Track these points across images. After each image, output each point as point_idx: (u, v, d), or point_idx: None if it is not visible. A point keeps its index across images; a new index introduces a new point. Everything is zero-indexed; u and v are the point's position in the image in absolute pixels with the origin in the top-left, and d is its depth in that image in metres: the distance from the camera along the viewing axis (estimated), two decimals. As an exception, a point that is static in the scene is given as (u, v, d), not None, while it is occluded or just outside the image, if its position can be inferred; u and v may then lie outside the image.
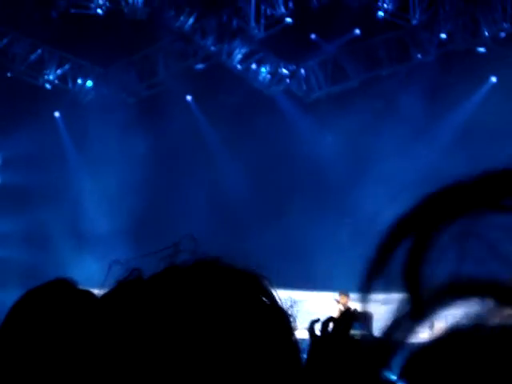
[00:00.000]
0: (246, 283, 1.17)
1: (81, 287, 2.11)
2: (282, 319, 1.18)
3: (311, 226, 17.35)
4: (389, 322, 0.83)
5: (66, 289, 2.07)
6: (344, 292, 15.13)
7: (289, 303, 1.20)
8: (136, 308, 1.12)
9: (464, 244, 0.81)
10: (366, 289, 0.84)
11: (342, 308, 14.75)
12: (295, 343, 1.17)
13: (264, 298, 1.17)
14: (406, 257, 0.83)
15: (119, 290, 1.17)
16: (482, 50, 17.08)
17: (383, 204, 17.24)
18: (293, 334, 1.18)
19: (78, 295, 2.06)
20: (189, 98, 19.46)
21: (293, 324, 1.19)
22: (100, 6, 17.12)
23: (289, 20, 17.59)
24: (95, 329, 1.14)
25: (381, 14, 17.25)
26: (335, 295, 15.18)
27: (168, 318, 1.10)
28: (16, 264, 17.73)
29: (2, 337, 2.01)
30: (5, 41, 17.82)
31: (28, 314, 2.00)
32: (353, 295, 15.01)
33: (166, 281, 1.15)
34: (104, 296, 1.18)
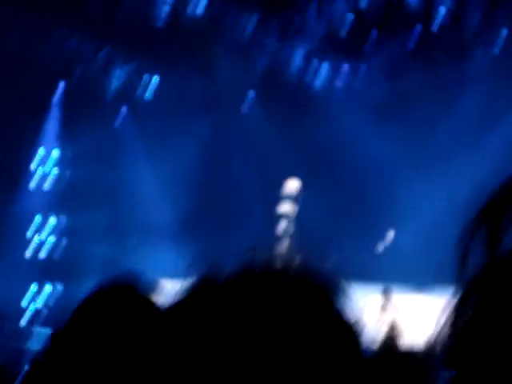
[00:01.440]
0: (313, 295, 1.18)
1: (151, 278, 2.16)
2: (349, 333, 1.18)
3: (369, 221, 17.39)
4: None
5: (128, 296, 2.11)
6: (387, 292, 14.87)
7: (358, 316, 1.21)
8: (207, 316, 1.14)
9: None
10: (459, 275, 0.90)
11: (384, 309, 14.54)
12: (361, 358, 1.18)
13: (333, 309, 1.17)
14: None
15: (195, 294, 1.19)
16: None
17: (439, 209, 17.27)
18: (360, 347, 1.18)
19: (139, 303, 2.08)
20: (250, 96, 19.65)
21: (360, 335, 1.18)
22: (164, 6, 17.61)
23: (350, 17, 17.82)
24: (166, 332, 1.17)
25: (443, 9, 17.34)
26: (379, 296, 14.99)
27: (237, 328, 1.12)
28: (85, 255, 18.26)
29: (63, 342, 2.06)
30: (74, 39, 18.36)
31: (86, 323, 2.06)
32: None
33: (242, 287, 1.17)
34: (182, 297, 1.20)
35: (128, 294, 2.11)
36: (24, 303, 19.07)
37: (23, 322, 18.77)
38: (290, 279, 1.18)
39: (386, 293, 14.95)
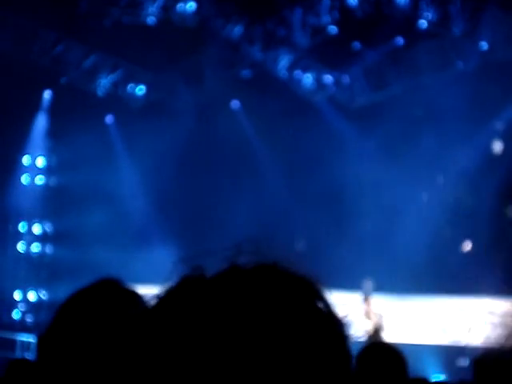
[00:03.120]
0: (304, 289, 1.18)
1: (133, 285, 2.13)
2: (337, 327, 1.18)
3: (353, 231, 17.56)
4: None
5: (112, 289, 2.10)
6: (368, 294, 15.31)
7: (346, 311, 1.23)
8: (199, 306, 1.14)
9: None
10: None
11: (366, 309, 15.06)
12: (348, 352, 1.18)
13: (321, 305, 1.18)
14: None
15: (183, 287, 1.18)
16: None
17: (426, 208, 17.59)
18: (347, 342, 1.18)
19: (125, 295, 2.08)
20: (235, 104, 19.82)
21: (347, 331, 1.19)
22: (151, 15, 17.73)
23: (333, 28, 18.04)
24: (156, 323, 1.16)
25: (423, 22, 17.63)
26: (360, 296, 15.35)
27: (229, 319, 1.11)
28: (70, 263, 18.30)
29: (49, 337, 2.04)
30: (59, 48, 18.44)
31: (73, 315, 2.04)
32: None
33: (229, 282, 1.16)
34: (167, 291, 1.19)
35: (112, 287, 2.10)
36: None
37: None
38: (279, 272, 1.18)
39: (365, 291, 15.35)
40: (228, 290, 1.15)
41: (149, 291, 1.27)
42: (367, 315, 14.92)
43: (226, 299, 1.13)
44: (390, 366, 4.49)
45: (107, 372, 1.81)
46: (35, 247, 19.82)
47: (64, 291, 2.25)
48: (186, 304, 1.15)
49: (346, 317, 1.20)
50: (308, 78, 19.23)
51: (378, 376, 4.39)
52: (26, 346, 17.79)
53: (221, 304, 1.13)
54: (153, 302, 1.19)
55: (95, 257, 17.43)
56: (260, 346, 1.09)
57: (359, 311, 14.89)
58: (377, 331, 14.54)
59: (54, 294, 18.22)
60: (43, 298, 19.42)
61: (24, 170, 20.06)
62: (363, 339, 14.21)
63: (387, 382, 4.36)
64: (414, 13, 17.55)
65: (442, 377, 15.80)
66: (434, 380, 15.54)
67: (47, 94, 19.74)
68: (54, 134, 19.63)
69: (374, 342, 4.85)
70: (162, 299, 1.19)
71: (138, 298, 2.07)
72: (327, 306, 1.18)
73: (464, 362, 16.25)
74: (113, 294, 2.08)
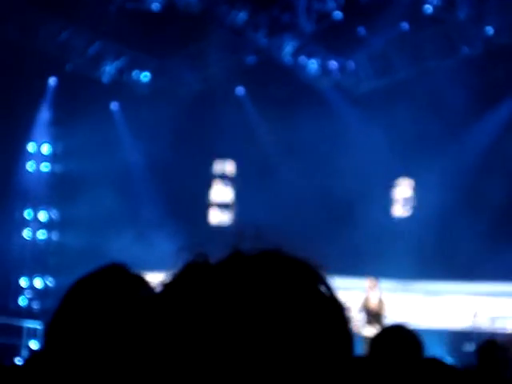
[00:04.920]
0: (307, 274, 1.19)
1: (139, 271, 2.12)
2: (339, 310, 1.20)
3: (358, 216, 17.53)
4: None
5: (119, 273, 2.08)
6: (373, 278, 15.37)
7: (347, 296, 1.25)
8: (204, 293, 1.15)
9: None
10: None
11: (370, 293, 15.13)
12: (350, 335, 1.20)
13: (322, 290, 1.19)
14: None
15: (188, 273, 1.19)
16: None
17: (432, 194, 17.53)
18: (348, 325, 1.20)
19: (132, 280, 2.06)
20: (240, 90, 19.78)
21: (349, 315, 1.21)
22: (155, 2, 17.71)
23: (338, 14, 17.99)
24: (162, 310, 1.17)
25: (428, 7, 17.58)
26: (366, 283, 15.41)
27: (231, 305, 1.13)
28: (76, 249, 18.34)
29: (56, 322, 2.03)
30: (64, 34, 18.41)
31: (80, 299, 2.03)
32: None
33: (233, 268, 1.17)
34: (173, 277, 1.19)
35: (119, 272, 2.09)
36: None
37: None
38: (282, 258, 1.20)
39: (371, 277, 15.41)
40: (232, 276, 1.16)
41: (155, 277, 1.28)
42: (370, 301, 15.00)
43: (229, 285, 1.14)
44: (407, 349, 4.50)
45: (115, 357, 1.82)
46: (41, 234, 19.86)
47: (70, 278, 2.16)
48: (190, 290, 1.15)
49: (347, 301, 1.21)
50: (313, 64, 19.17)
51: (394, 358, 4.40)
52: (32, 332, 17.83)
53: (225, 290, 1.14)
54: (159, 289, 1.20)
55: (101, 243, 17.45)
56: (263, 329, 1.11)
57: (364, 297, 14.98)
58: (379, 317, 14.66)
59: (60, 281, 18.26)
60: (49, 284, 19.47)
61: (29, 157, 20.07)
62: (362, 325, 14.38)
63: (403, 364, 4.37)
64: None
65: (449, 361, 15.81)
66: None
67: (52, 81, 19.72)
68: (59, 120, 19.62)
69: (392, 325, 4.87)
70: (167, 285, 1.20)
71: (144, 283, 2.06)
72: (329, 290, 1.20)
73: (470, 347, 16.26)
74: (119, 279, 2.06)
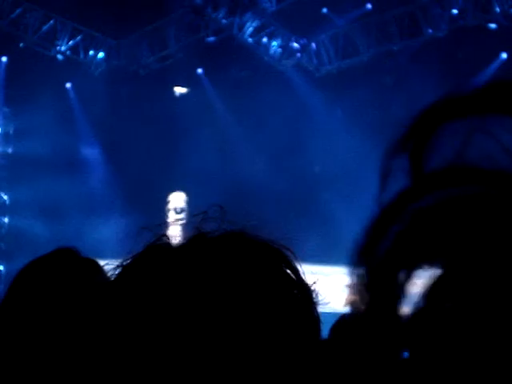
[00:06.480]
0: (271, 255, 1.18)
1: (91, 256, 2.10)
2: (304, 292, 1.19)
3: (326, 198, 17.40)
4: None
5: (69, 257, 2.06)
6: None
7: (314, 279, 1.22)
8: (165, 274, 1.13)
9: (469, 139, 0.76)
10: None
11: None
12: (316, 316, 1.19)
13: (288, 271, 1.18)
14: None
15: (149, 254, 1.17)
16: (493, 26, 17.14)
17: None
18: (314, 308, 1.20)
19: (82, 264, 2.05)
20: (199, 70, 19.51)
21: (315, 298, 1.20)
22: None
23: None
24: (122, 292, 1.15)
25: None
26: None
27: (195, 286, 1.11)
28: (28, 234, 17.91)
29: (5, 306, 2.01)
30: (17, 11, 17.90)
31: (30, 282, 1.99)
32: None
33: (195, 249, 1.16)
34: (133, 259, 1.18)
35: (69, 256, 2.05)
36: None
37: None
38: (246, 239, 1.18)
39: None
40: (194, 258, 1.14)
41: (110, 264, 1.21)
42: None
43: (192, 267, 1.13)
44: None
45: (66, 342, 1.81)
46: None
47: (22, 263, 2.09)
48: (151, 272, 1.14)
49: (313, 284, 1.20)
50: (274, 45, 18.89)
51: (351, 346, 4.16)
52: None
53: (187, 272, 1.12)
54: (117, 271, 1.18)
55: (55, 228, 17.11)
56: (226, 312, 1.09)
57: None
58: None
59: (11, 267, 17.81)
60: (1, 269, 19.04)
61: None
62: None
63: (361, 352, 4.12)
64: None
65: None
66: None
67: (4, 60, 19.20)
68: (11, 100, 19.12)
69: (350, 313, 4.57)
70: (126, 267, 1.17)
71: (96, 266, 2.04)
72: (294, 272, 1.19)
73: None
74: (69, 262, 2.03)
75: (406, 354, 0.75)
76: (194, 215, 1.19)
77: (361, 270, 0.77)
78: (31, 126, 18.30)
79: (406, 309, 0.76)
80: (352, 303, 0.76)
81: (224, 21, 18.03)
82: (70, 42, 18.75)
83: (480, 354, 0.68)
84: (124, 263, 1.18)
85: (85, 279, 1.95)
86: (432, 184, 0.78)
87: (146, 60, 18.97)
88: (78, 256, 2.07)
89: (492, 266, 0.70)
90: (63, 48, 18.68)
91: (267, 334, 1.10)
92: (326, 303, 1.23)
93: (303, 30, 18.53)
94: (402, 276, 0.75)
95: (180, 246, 1.17)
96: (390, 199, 0.82)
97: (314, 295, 1.20)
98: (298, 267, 1.19)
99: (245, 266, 1.14)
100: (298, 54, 19.03)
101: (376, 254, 0.77)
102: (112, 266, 1.18)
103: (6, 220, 19.48)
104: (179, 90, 18.65)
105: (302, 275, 1.20)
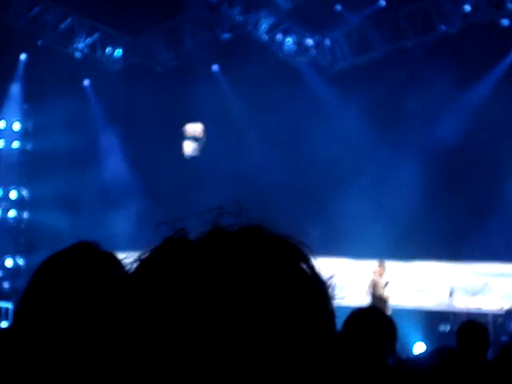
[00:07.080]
0: (288, 250, 1.18)
1: (111, 251, 2.12)
2: (320, 287, 1.19)
3: (341, 193, 17.46)
4: None
5: (89, 251, 2.07)
6: (382, 262, 15.36)
7: (330, 273, 1.23)
8: (182, 268, 1.13)
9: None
10: None
11: (377, 277, 15.08)
12: (332, 311, 1.19)
13: (304, 266, 1.18)
14: None
15: (167, 248, 1.18)
16: (505, 22, 17.20)
17: (410, 172, 17.45)
18: (330, 302, 1.20)
19: (101, 258, 2.06)
20: (215, 67, 19.61)
21: (331, 292, 1.20)
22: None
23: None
24: (139, 286, 1.15)
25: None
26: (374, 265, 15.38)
27: (212, 280, 1.11)
28: (48, 228, 18.08)
29: (26, 300, 2.02)
30: (36, 9, 18.07)
31: (51, 277, 2.02)
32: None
33: (212, 243, 1.16)
34: (150, 253, 1.18)
35: (89, 250, 2.07)
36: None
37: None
38: (263, 234, 1.19)
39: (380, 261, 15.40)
40: (212, 252, 1.14)
41: (128, 257, 1.24)
42: (378, 287, 14.95)
43: (209, 262, 1.13)
44: (380, 332, 4.38)
45: (86, 336, 1.80)
46: (12, 213, 19.58)
47: (41, 257, 2.12)
48: (169, 266, 1.14)
49: (330, 279, 1.21)
50: (289, 42, 18.99)
51: (365, 340, 4.26)
52: (3, 312, 17.60)
53: (205, 266, 1.12)
54: (135, 265, 1.18)
55: (73, 222, 17.26)
56: (243, 307, 1.10)
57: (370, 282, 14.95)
58: (385, 303, 14.56)
59: (31, 260, 18.02)
60: (20, 264, 19.22)
61: (0, 134, 19.77)
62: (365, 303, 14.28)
63: (375, 348, 4.23)
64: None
65: (423, 344, 15.76)
66: (415, 348, 15.53)
67: (23, 57, 19.38)
68: (31, 97, 19.33)
69: (365, 307, 4.73)
70: (144, 261, 1.18)
71: (115, 261, 2.05)
72: (310, 267, 1.19)
73: (445, 328, 16.24)
74: (89, 256, 2.05)
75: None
76: (211, 209, 1.20)
77: None
78: (50, 122, 18.46)
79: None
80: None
81: (239, 18, 18.14)
82: (88, 40, 18.90)
83: None
84: (142, 257, 1.18)
85: (103, 273, 1.97)
86: None
87: (162, 57, 19.08)
88: (97, 250, 2.09)
89: None
90: (81, 45, 18.84)
91: (282, 329, 1.11)
92: (342, 298, 1.26)
93: (317, 26, 18.58)
94: None
95: (197, 241, 1.18)
96: None
97: (330, 290, 1.20)
98: (314, 262, 1.20)
99: (261, 261, 1.14)
100: (313, 51, 19.10)
101: None
102: (130, 260, 1.19)
103: (26, 215, 19.67)
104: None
105: (318, 270, 1.20)
